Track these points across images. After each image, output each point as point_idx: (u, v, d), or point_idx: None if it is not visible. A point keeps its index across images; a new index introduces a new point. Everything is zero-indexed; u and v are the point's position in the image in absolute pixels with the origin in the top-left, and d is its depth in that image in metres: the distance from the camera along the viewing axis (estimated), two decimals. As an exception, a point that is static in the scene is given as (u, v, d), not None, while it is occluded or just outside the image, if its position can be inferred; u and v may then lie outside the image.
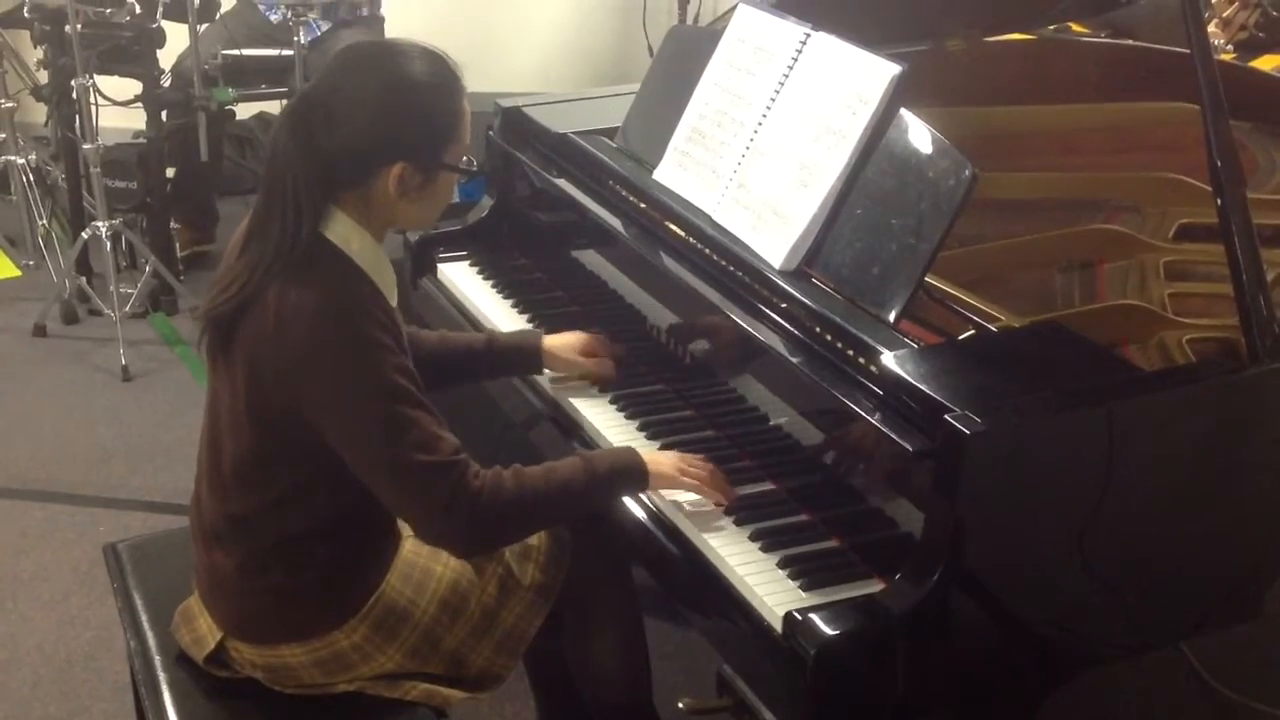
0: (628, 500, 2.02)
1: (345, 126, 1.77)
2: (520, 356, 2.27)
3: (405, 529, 2.03)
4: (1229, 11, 3.55)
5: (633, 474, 1.92)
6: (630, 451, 1.94)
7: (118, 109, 4.41)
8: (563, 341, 2.26)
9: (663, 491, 1.96)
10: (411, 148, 1.80)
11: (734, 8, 2.28)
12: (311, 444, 1.79)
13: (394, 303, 1.87)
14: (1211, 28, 3.56)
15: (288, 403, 1.77)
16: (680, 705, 1.93)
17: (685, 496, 1.94)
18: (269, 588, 1.89)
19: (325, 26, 4.64)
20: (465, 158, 1.89)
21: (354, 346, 1.74)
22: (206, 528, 1.93)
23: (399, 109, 1.79)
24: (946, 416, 1.61)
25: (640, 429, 2.12)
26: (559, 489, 1.86)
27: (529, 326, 2.47)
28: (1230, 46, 3.53)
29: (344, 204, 1.82)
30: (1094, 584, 1.78)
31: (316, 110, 1.78)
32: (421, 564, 1.98)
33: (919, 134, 1.93)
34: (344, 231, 1.81)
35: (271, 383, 1.77)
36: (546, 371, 2.28)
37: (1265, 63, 3.38)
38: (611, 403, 2.20)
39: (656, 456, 1.95)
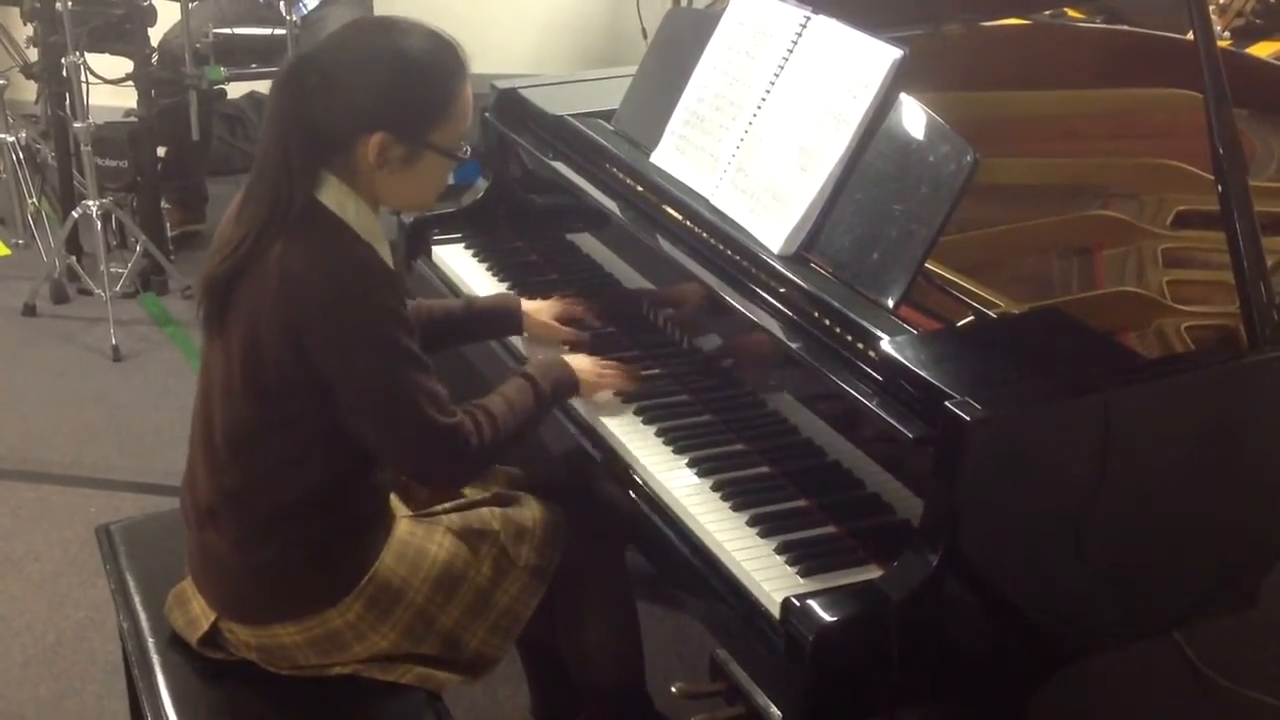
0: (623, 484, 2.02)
1: (332, 91, 1.78)
2: (499, 319, 2.33)
3: (400, 509, 2.03)
4: (1225, -2, 3.55)
5: (567, 384, 2.07)
6: (564, 368, 2.07)
7: (108, 87, 4.38)
8: (541, 306, 2.32)
9: (669, 486, 1.96)
10: (393, 119, 1.79)
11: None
12: (305, 410, 1.80)
13: None
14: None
15: (286, 360, 1.77)
16: (673, 689, 1.93)
17: (679, 482, 1.95)
18: (263, 565, 1.88)
19: (313, 4, 4.61)
20: (463, 145, 1.88)
21: (360, 307, 1.76)
22: (200, 505, 1.92)
23: (385, 78, 1.79)
24: (947, 403, 1.61)
25: (637, 413, 2.11)
26: (521, 417, 1.96)
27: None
28: (1227, 33, 3.52)
29: (335, 169, 1.82)
30: (1092, 571, 1.78)
31: (309, 74, 1.79)
32: (416, 543, 1.97)
33: (919, 119, 1.92)
34: (339, 198, 1.81)
35: (270, 341, 1.77)
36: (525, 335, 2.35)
37: (1261, 49, 3.37)
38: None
39: (577, 361, 2.11)
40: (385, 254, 1.87)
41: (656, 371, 2.22)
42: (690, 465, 1.99)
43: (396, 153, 1.81)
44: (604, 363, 2.14)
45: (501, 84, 2.74)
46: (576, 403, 2.19)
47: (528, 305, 2.32)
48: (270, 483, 1.86)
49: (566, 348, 2.28)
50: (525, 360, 2.30)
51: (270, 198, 1.78)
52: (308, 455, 1.85)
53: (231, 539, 1.89)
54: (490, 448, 1.90)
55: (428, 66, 1.81)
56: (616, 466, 2.05)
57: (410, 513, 2.05)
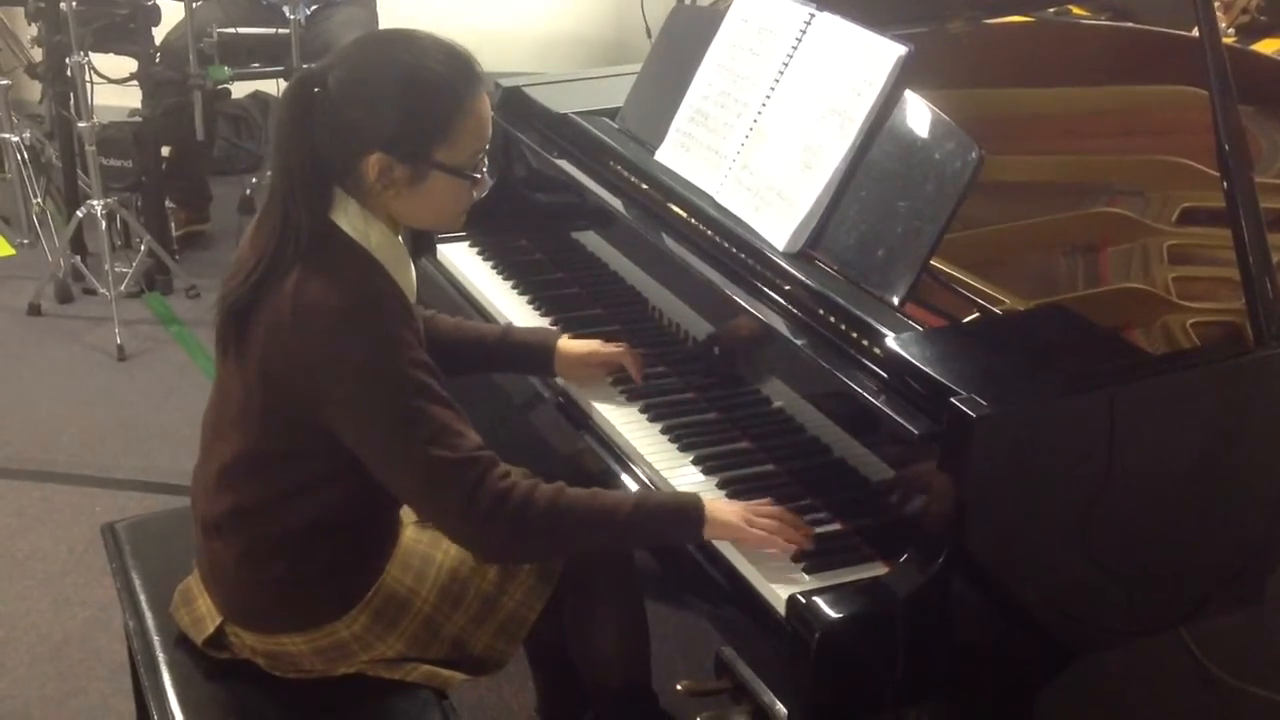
0: (628, 481, 2.02)
1: (331, 109, 1.73)
2: (531, 355, 2.21)
3: (407, 516, 2.02)
4: (1230, -5, 3.55)
5: (687, 517, 1.80)
6: (692, 497, 1.83)
7: (113, 87, 4.38)
8: (579, 349, 2.20)
9: (675, 485, 1.95)
10: (388, 138, 1.73)
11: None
12: (320, 443, 1.76)
13: (413, 299, 1.84)
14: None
15: (301, 399, 1.74)
16: (679, 687, 1.93)
17: (685, 480, 1.95)
18: (269, 579, 1.87)
19: (315, 6, 4.60)
20: (477, 164, 1.80)
21: (373, 343, 1.71)
22: (207, 518, 1.91)
23: (383, 96, 1.73)
24: (953, 400, 1.61)
25: (643, 410, 2.12)
26: (599, 514, 1.78)
27: (529, 308, 2.46)
28: (1232, 30, 3.52)
29: (348, 190, 1.77)
30: (1098, 567, 1.78)
31: (312, 90, 1.74)
32: (421, 552, 1.97)
33: (924, 116, 1.92)
34: (358, 223, 1.77)
35: (285, 378, 1.74)
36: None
37: (1266, 46, 3.37)
38: (614, 385, 2.19)
39: (719, 505, 1.82)
40: (408, 279, 1.84)
41: (660, 369, 2.22)
42: (696, 463, 1.99)
43: (400, 173, 1.75)
44: (760, 511, 1.81)
45: (506, 82, 2.73)
46: (578, 399, 2.19)
47: (564, 345, 2.20)
48: (281, 504, 1.83)
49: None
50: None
51: (279, 221, 1.74)
52: (320, 483, 1.82)
53: (238, 552, 1.88)
54: (540, 517, 1.73)
55: (429, 83, 1.74)
56: (623, 465, 2.05)
57: (415, 519, 2.04)
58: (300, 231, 1.73)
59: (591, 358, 2.19)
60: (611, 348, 2.20)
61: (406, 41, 1.78)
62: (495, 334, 2.24)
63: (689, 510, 1.80)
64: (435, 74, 1.75)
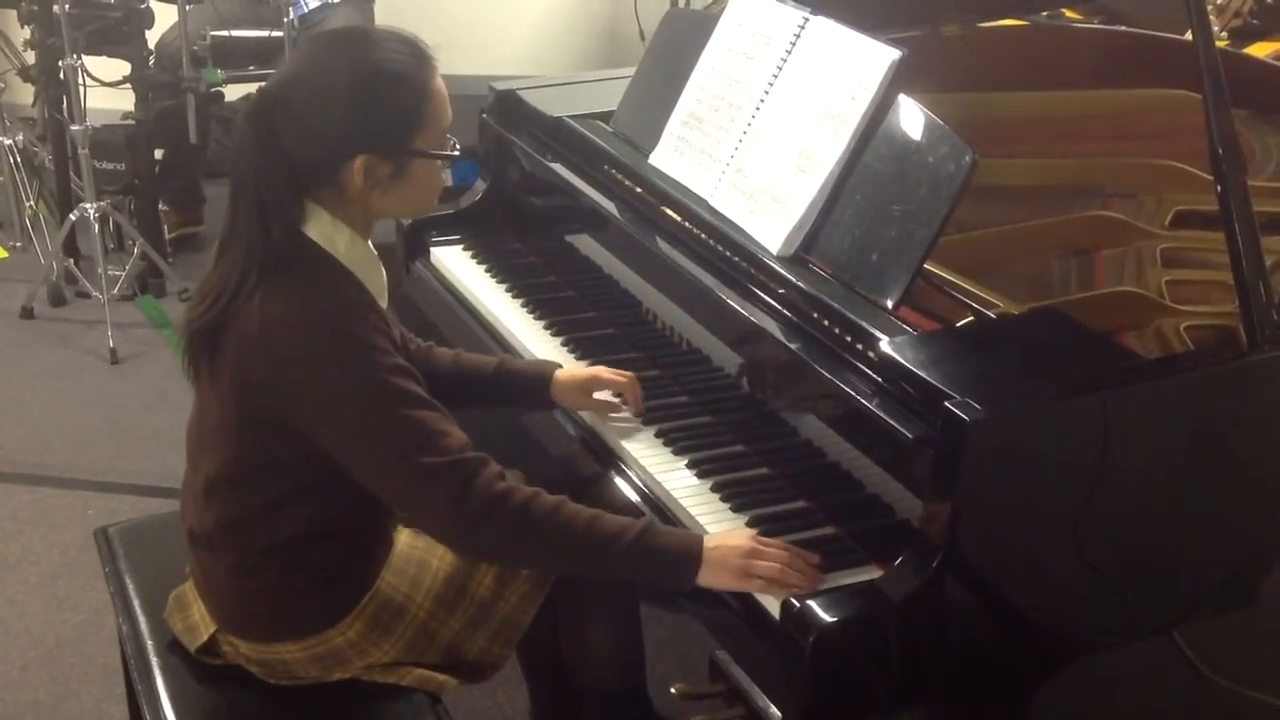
0: (621, 484, 2.02)
1: (300, 123, 1.72)
2: (527, 387, 2.15)
3: (401, 522, 2.01)
4: (1223, -2, 3.54)
5: (683, 565, 1.73)
6: (694, 543, 1.74)
7: (106, 90, 4.38)
8: (579, 377, 2.14)
9: (669, 488, 1.94)
10: (369, 139, 1.73)
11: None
12: (304, 452, 1.76)
13: (385, 304, 1.83)
14: (1205, 14, 3.54)
15: (277, 411, 1.73)
16: (673, 690, 1.93)
17: (679, 483, 1.95)
18: (261, 589, 1.86)
19: (314, 4, 4.60)
20: (451, 140, 1.82)
21: (344, 352, 1.70)
22: (196, 529, 1.90)
23: (352, 99, 1.72)
24: (946, 403, 1.61)
25: (639, 414, 2.12)
26: (597, 538, 1.73)
27: (523, 312, 2.45)
28: (1224, 33, 3.52)
29: (321, 200, 1.76)
30: (1091, 570, 1.78)
31: (275, 107, 1.72)
32: (417, 557, 1.96)
33: (918, 119, 1.92)
34: (327, 230, 1.76)
35: (260, 391, 1.73)
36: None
37: (1259, 49, 3.37)
38: (608, 387, 2.19)
39: (722, 550, 1.73)
40: (379, 285, 1.83)
41: (654, 373, 2.22)
42: (690, 466, 1.99)
43: (384, 171, 1.75)
44: (769, 554, 1.73)
45: (500, 85, 2.74)
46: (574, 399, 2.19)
47: (561, 375, 2.13)
48: (268, 515, 1.82)
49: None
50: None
51: (245, 240, 1.72)
52: (305, 492, 1.81)
53: (228, 564, 1.87)
54: (528, 526, 1.71)
55: (391, 75, 1.74)
56: (616, 468, 2.05)
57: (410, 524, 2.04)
58: (269, 251, 1.71)
59: (591, 384, 2.13)
60: (613, 375, 2.13)
61: (361, 39, 1.78)
62: (491, 366, 2.17)
63: (688, 559, 1.73)
64: (398, 64, 1.75)
